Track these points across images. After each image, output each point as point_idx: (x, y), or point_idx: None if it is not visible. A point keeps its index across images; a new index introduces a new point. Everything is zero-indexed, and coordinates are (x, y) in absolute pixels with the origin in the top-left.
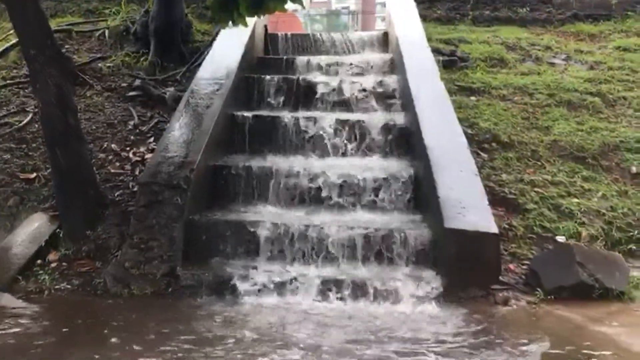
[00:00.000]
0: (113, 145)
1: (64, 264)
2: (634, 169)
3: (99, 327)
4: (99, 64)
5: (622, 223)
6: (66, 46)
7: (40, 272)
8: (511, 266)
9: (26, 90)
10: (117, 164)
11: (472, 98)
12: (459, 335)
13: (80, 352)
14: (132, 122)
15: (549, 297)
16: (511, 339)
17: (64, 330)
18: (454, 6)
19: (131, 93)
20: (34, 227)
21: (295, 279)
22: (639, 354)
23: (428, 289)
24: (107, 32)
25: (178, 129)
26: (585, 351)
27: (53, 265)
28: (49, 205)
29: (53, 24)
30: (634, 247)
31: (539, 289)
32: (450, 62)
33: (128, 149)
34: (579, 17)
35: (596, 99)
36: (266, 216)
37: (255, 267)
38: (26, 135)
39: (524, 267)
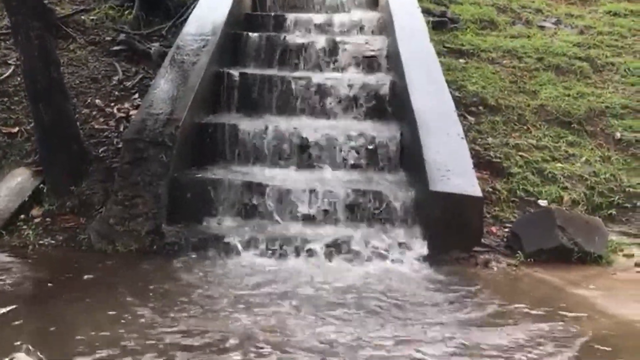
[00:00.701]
0: (97, 101)
1: (47, 219)
2: (618, 135)
3: (83, 282)
4: (82, 17)
5: (604, 188)
6: None
7: (24, 227)
8: (493, 229)
9: (8, 42)
10: (101, 119)
11: (461, 60)
12: (437, 292)
13: (65, 306)
14: (116, 78)
15: (529, 259)
16: (488, 299)
17: (49, 284)
18: None
19: (115, 47)
20: (16, 182)
21: (277, 239)
22: (614, 316)
23: (410, 251)
24: None
25: (163, 86)
26: (561, 312)
27: (37, 220)
28: (32, 160)
29: None
30: (614, 212)
31: (519, 252)
32: (440, 24)
33: (112, 104)
34: None
35: (584, 64)
36: (251, 176)
37: (239, 226)
38: (8, 89)
39: (506, 230)
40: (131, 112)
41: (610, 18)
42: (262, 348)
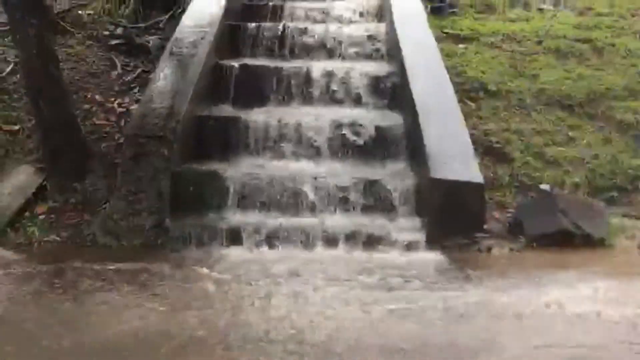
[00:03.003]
0: (97, 96)
1: (52, 216)
2: (618, 117)
3: (89, 278)
4: (80, 11)
5: (605, 171)
6: None
7: (29, 224)
8: (496, 214)
9: (6, 40)
10: (102, 115)
11: (461, 46)
12: (441, 273)
13: (71, 302)
14: (115, 72)
15: (531, 244)
16: (489, 281)
17: (55, 280)
18: None
19: (113, 42)
20: (20, 180)
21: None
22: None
23: (413, 237)
24: None
25: (163, 79)
26: None
27: (41, 217)
28: (35, 157)
29: None
30: (616, 194)
31: (522, 237)
32: (438, 9)
33: (112, 99)
34: None
35: (584, 46)
36: (252, 169)
37: (243, 218)
38: (8, 86)
39: (508, 215)
40: (131, 107)
41: None
42: None
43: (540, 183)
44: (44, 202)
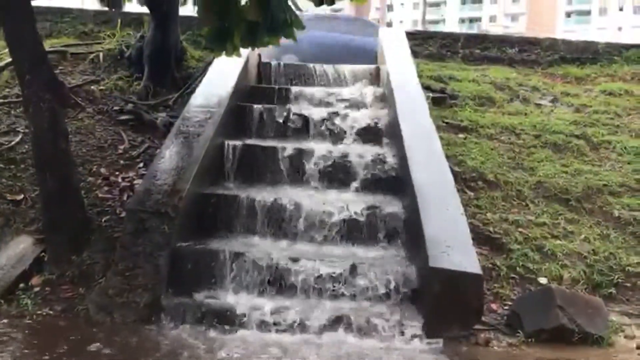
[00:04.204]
0: (102, 169)
1: (47, 288)
2: (616, 213)
3: (81, 355)
4: (92, 87)
5: (603, 266)
6: (60, 67)
7: (23, 296)
8: (494, 306)
9: (18, 110)
10: (106, 188)
11: (460, 136)
12: None
13: None
14: (122, 146)
15: (529, 339)
16: None
17: (44, 357)
18: (445, 43)
19: (123, 117)
20: (18, 250)
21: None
22: None
23: (409, 327)
24: (101, 55)
25: (168, 156)
26: None
27: (36, 289)
28: (35, 228)
29: (48, 45)
30: (615, 291)
31: (520, 331)
32: (439, 99)
33: (117, 173)
34: (566, 60)
35: (581, 142)
36: (250, 248)
37: (239, 299)
38: (15, 156)
39: (506, 307)
40: (135, 181)
41: (605, 97)
42: None
43: (539, 276)
44: (40, 274)
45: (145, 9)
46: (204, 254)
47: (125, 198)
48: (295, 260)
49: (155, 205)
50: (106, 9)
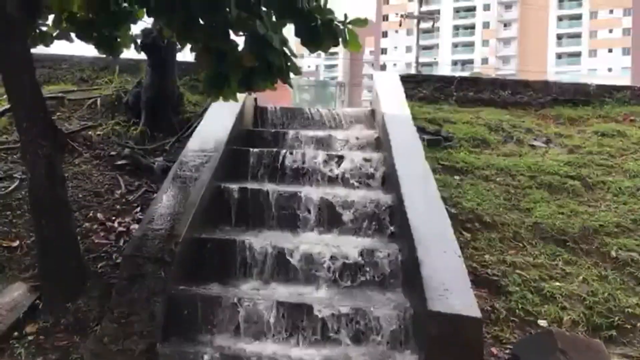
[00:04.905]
0: (99, 215)
1: (41, 337)
2: (613, 254)
3: None
4: (90, 132)
5: (602, 308)
6: (58, 113)
7: (17, 345)
8: (493, 350)
9: (14, 156)
10: (102, 234)
11: (456, 177)
12: None
13: None
14: (119, 191)
15: None
16: None
17: None
18: (438, 87)
19: (119, 162)
20: (13, 297)
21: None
22: None
23: None
24: (99, 100)
25: (165, 201)
26: None
27: (30, 337)
28: (30, 274)
29: (46, 91)
30: (615, 334)
31: None
32: (434, 141)
33: (114, 218)
34: (558, 102)
35: (576, 183)
36: (248, 293)
37: (234, 345)
38: (11, 202)
39: (507, 351)
40: (132, 226)
41: (598, 138)
42: None
43: (538, 318)
44: (35, 322)
45: (142, 56)
46: (200, 300)
47: (121, 243)
48: (295, 304)
49: (152, 251)
50: (104, 55)
